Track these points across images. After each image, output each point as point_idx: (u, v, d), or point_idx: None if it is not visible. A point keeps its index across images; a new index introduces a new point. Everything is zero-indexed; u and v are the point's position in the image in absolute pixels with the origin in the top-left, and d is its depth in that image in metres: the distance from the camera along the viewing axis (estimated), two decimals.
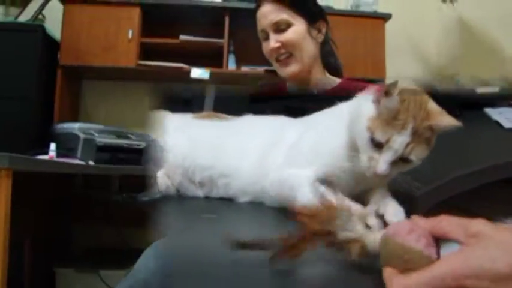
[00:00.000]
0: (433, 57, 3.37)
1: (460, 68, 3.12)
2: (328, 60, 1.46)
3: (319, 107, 1.04)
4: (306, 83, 1.42)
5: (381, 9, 3.03)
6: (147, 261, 0.96)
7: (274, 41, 1.34)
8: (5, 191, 1.08)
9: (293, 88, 1.46)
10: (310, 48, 1.38)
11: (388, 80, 2.70)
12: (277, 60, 1.37)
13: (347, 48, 2.89)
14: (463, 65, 3.11)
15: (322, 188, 0.82)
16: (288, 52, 1.35)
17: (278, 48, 1.34)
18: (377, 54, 2.92)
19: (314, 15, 1.39)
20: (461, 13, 3.09)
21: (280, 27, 1.34)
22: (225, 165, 1.01)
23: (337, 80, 1.45)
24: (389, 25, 2.98)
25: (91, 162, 2.13)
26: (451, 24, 3.21)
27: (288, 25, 1.34)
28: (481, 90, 1.18)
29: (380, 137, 0.72)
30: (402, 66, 3.23)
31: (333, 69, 1.48)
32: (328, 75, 1.46)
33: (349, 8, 3.07)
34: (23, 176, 1.23)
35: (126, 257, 2.46)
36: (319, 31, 1.40)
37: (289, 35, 1.34)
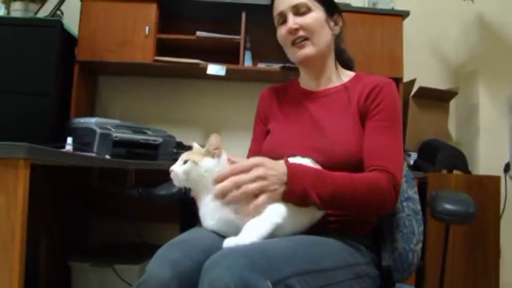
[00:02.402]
0: (452, 55, 3.33)
1: (479, 66, 3.07)
2: (341, 54, 1.47)
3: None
4: (318, 69, 1.42)
5: (399, 6, 3.00)
6: (160, 268, 0.96)
7: (292, 22, 1.34)
8: (23, 183, 1.08)
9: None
10: (327, 38, 1.38)
11: (406, 78, 2.70)
12: (293, 44, 1.36)
13: (364, 46, 2.88)
14: (482, 63, 3.06)
15: None
16: (304, 36, 1.34)
17: (296, 30, 1.34)
18: (394, 52, 2.88)
19: (333, 7, 1.40)
20: (480, 9, 3.04)
21: (300, 11, 1.35)
22: None
23: (351, 73, 1.45)
24: (407, 22, 2.94)
25: (107, 157, 2.14)
26: (470, 20, 3.16)
27: (308, 9, 1.35)
28: None
29: None
30: (420, 64, 3.20)
31: (345, 63, 1.48)
32: (340, 68, 1.46)
33: (366, 5, 3.05)
34: (40, 169, 1.23)
35: (142, 252, 2.51)
36: (336, 24, 1.41)
37: (308, 19, 1.34)
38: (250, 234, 1.00)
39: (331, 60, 1.43)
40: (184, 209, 1.50)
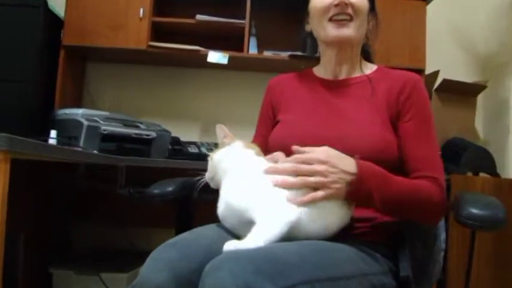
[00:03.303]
0: (480, 44, 3.32)
1: (511, 57, 3.05)
2: (365, 47, 1.50)
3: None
4: (346, 56, 1.44)
5: None
6: (155, 270, 0.97)
7: None
8: (3, 178, 1.08)
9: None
10: (365, 27, 1.42)
11: (429, 70, 2.68)
12: (332, 20, 1.36)
13: (382, 33, 2.85)
14: None
15: None
16: (351, 16, 1.35)
17: (345, 4, 1.34)
18: (416, 40, 2.88)
19: (374, 4, 1.45)
20: None
21: None
22: None
23: (374, 66, 1.48)
24: (431, 8, 2.94)
25: (95, 152, 2.14)
26: (501, 5, 3.14)
27: None
28: None
29: None
30: (444, 54, 3.19)
31: (367, 54, 1.52)
32: (363, 59, 1.48)
33: None
34: (20, 164, 1.23)
35: (131, 260, 2.51)
36: (370, 20, 1.45)
37: (360, 1, 1.37)
38: (257, 238, 1.00)
39: (357, 51, 1.46)
40: (180, 210, 1.51)
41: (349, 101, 1.38)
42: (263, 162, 1.15)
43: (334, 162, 1.12)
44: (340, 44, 1.40)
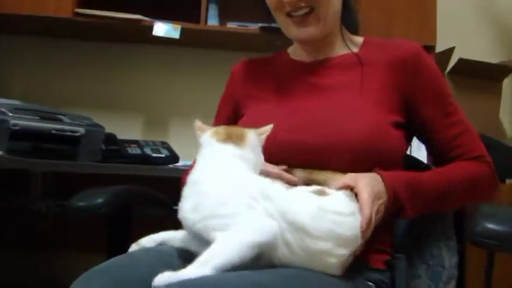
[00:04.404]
0: (507, 15, 3.38)
1: None
2: (347, 14, 1.52)
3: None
4: (321, 44, 1.48)
5: None
6: None
7: None
8: None
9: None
10: (336, 3, 1.44)
11: (440, 47, 2.71)
12: (290, 16, 1.40)
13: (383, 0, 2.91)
14: None
15: None
16: (309, 6, 1.38)
17: (298, 0, 1.37)
18: (426, 9, 2.92)
19: None
20: None
21: None
22: None
23: (359, 39, 1.53)
24: None
25: (1, 154, 2.12)
26: None
27: None
28: None
29: None
30: (462, 27, 3.24)
31: (350, 26, 1.55)
32: (346, 33, 1.53)
33: None
34: None
35: None
36: None
37: None
38: (205, 263, 0.99)
39: (337, 30, 1.50)
40: (114, 228, 1.51)
41: (334, 85, 1.42)
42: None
43: (376, 190, 1.20)
44: (307, 41, 1.46)
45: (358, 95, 1.37)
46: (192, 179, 1.13)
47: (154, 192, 1.68)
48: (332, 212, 1.10)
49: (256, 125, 1.32)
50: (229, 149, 1.16)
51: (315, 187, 1.19)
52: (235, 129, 1.22)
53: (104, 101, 3.16)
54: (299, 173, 1.30)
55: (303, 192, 1.16)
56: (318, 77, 1.45)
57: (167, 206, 1.63)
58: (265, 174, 1.19)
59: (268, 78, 1.53)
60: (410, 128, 1.42)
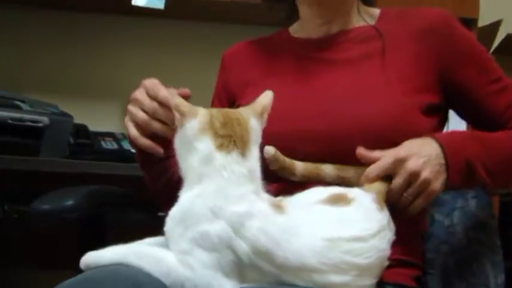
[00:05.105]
0: None
1: None
2: None
3: None
4: (334, 9, 1.50)
5: None
6: None
7: None
8: None
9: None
10: None
11: (483, 21, 2.72)
12: None
13: None
14: None
15: None
16: None
17: None
18: None
19: None
20: None
21: None
22: None
23: (376, 10, 1.56)
24: None
25: None
26: None
27: None
28: None
29: None
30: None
31: None
32: (360, 3, 1.55)
33: None
34: None
35: None
36: None
37: None
38: None
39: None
40: (86, 236, 1.50)
41: (350, 58, 1.44)
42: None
43: (416, 150, 1.23)
44: (320, 3, 1.48)
45: (380, 69, 1.39)
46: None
47: (135, 194, 1.66)
48: (346, 240, 1.06)
49: None
50: (234, 164, 1.08)
51: (331, 190, 1.17)
52: (235, 122, 1.11)
53: (72, 84, 3.15)
54: (328, 170, 1.27)
55: (305, 209, 1.12)
56: (329, 53, 1.47)
57: (149, 211, 1.62)
58: None
59: (267, 61, 1.55)
60: (449, 107, 1.45)
